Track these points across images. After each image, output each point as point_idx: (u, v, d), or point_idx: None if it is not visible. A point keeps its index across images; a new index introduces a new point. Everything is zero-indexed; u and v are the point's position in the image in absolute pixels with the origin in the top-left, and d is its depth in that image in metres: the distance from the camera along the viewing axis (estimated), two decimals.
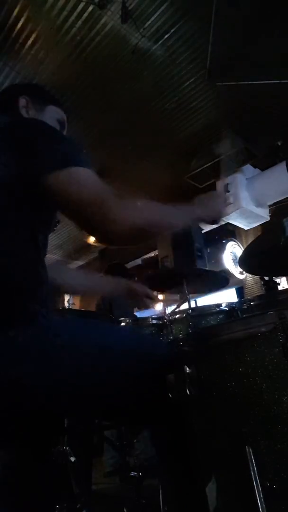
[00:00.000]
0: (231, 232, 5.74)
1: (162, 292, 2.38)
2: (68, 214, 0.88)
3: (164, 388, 0.91)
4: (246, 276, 5.42)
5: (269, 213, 4.69)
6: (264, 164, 4.51)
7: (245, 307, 1.88)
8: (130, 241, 0.91)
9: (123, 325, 2.17)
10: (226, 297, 5.79)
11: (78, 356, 0.86)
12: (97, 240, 0.89)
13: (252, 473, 0.76)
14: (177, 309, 2.31)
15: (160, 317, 2.26)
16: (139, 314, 3.98)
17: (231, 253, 5.59)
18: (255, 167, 4.61)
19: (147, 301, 1.39)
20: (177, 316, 2.14)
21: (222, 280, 2.42)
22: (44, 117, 1.11)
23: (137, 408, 0.91)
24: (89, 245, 6.19)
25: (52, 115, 1.15)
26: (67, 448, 1.46)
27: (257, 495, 0.75)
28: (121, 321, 2.26)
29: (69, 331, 0.90)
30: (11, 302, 0.84)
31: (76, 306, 5.92)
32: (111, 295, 1.56)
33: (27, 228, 0.89)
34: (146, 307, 1.38)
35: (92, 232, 0.88)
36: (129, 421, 0.91)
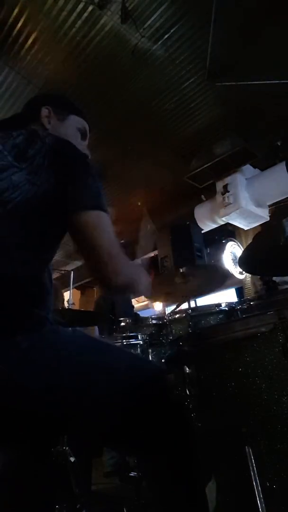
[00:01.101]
0: (231, 232, 5.74)
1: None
2: (79, 250, 0.94)
3: (164, 397, 0.91)
4: (245, 276, 5.42)
5: (269, 213, 4.69)
6: (263, 164, 4.51)
7: (245, 307, 1.88)
8: (118, 293, 0.99)
9: (124, 334, 2.17)
10: (225, 297, 5.80)
11: (81, 363, 0.87)
12: (95, 279, 0.96)
13: (252, 473, 0.76)
14: (177, 309, 2.31)
15: (160, 317, 2.27)
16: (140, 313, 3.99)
17: (230, 253, 5.59)
18: (254, 167, 4.61)
19: None
20: (177, 316, 2.14)
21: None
22: (65, 126, 1.14)
23: (135, 423, 0.90)
24: None
25: (73, 124, 1.17)
26: (67, 448, 1.45)
27: (257, 495, 0.75)
28: (121, 321, 2.26)
29: (75, 341, 0.92)
30: (19, 308, 0.84)
31: (76, 306, 5.93)
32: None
33: (39, 240, 0.91)
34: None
35: (93, 272, 0.94)
36: (128, 442, 0.92)
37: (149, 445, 0.90)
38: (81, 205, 0.90)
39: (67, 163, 0.95)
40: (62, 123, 1.14)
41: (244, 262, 1.78)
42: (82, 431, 0.95)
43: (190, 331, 1.90)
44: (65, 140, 1.06)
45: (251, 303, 1.87)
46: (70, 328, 0.97)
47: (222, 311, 2.01)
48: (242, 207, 4.36)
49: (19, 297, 0.85)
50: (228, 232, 5.68)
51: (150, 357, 2.00)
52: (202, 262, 4.69)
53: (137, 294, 1.19)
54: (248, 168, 4.55)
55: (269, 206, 4.68)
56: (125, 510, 1.71)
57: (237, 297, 5.77)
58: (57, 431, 1.00)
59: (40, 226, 0.91)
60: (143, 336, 2.08)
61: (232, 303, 2.05)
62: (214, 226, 5.01)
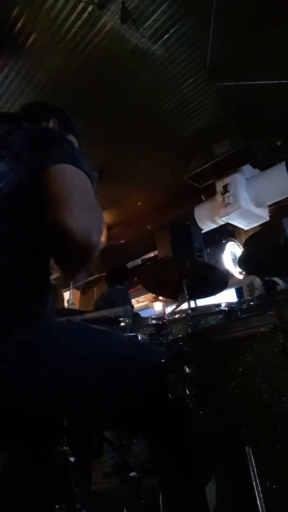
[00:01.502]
0: (231, 232, 5.74)
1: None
2: (45, 204, 0.84)
3: (163, 392, 0.90)
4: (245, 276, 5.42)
5: (269, 213, 4.69)
6: (263, 164, 4.51)
7: (245, 307, 1.88)
8: (80, 257, 0.86)
9: (124, 334, 2.16)
10: (225, 297, 5.79)
11: (79, 360, 0.86)
12: (60, 239, 0.82)
13: (252, 473, 0.76)
14: (176, 309, 2.31)
15: (159, 317, 2.27)
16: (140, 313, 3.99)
17: (230, 253, 5.59)
18: (254, 167, 4.62)
19: None
20: (177, 316, 2.14)
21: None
22: None
23: (135, 414, 0.90)
24: None
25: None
26: (67, 448, 1.45)
27: (256, 495, 0.75)
28: (120, 321, 2.26)
29: (71, 334, 0.90)
30: (16, 303, 0.84)
31: (76, 306, 5.94)
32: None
33: (37, 231, 0.90)
34: None
35: (51, 228, 0.83)
36: (128, 428, 0.90)
37: (147, 444, 0.90)
38: (46, 162, 0.86)
39: (44, 144, 0.93)
40: None
41: (244, 262, 1.78)
42: (81, 422, 0.94)
43: (190, 331, 1.90)
44: (44, 126, 1.06)
45: (251, 303, 1.87)
46: (65, 319, 0.94)
47: (222, 311, 2.01)
48: (242, 207, 4.36)
49: (12, 291, 0.84)
50: (228, 232, 5.68)
51: None
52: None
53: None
54: (248, 168, 4.55)
55: (269, 206, 4.68)
56: (125, 510, 1.70)
57: (237, 297, 5.77)
58: (57, 424, 0.99)
59: (26, 213, 0.88)
60: (142, 336, 2.08)
61: (232, 303, 2.05)
62: (214, 226, 5.01)
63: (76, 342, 0.88)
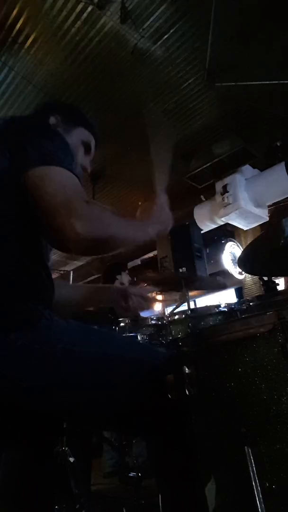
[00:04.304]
0: (230, 233, 5.74)
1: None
2: (39, 214, 0.84)
3: (163, 393, 0.90)
4: (245, 277, 5.42)
5: (268, 213, 4.69)
6: (263, 164, 4.51)
7: (244, 307, 1.88)
8: (86, 252, 0.89)
9: (124, 334, 2.16)
10: (225, 297, 5.80)
11: (78, 361, 0.86)
12: (54, 245, 0.85)
13: (251, 473, 0.76)
14: (176, 310, 2.31)
15: (159, 318, 2.27)
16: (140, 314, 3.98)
17: (230, 254, 5.59)
18: (254, 167, 4.62)
19: (142, 303, 1.30)
20: (176, 316, 2.15)
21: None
22: (70, 137, 1.10)
23: (135, 415, 0.90)
24: None
25: (78, 136, 1.14)
26: (67, 448, 1.45)
27: (256, 495, 0.75)
28: (120, 321, 2.26)
29: (70, 335, 0.89)
30: (13, 304, 0.83)
31: None
32: (104, 304, 1.46)
33: (31, 229, 0.89)
34: (141, 309, 1.30)
35: (52, 235, 0.83)
36: (128, 428, 0.89)
37: (146, 444, 0.90)
38: (26, 164, 0.83)
39: (18, 134, 0.91)
40: (68, 133, 1.11)
41: (243, 262, 1.78)
42: (81, 423, 0.94)
43: (189, 331, 1.90)
44: (21, 116, 1.04)
45: (251, 303, 1.87)
46: (64, 321, 0.93)
47: (221, 311, 2.01)
48: (241, 208, 4.36)
49: (11, 291, 0.83)
50: (228, 232, 5.68)
51: None
52: (202, 264, 4.68)
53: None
54: (247, 169, 4.55)
55: (269, 206, 4.68)
56: (124, 510, 1.70)
57: (237, 297, 5.77)
58: (56, 425, 0.99)
59: (10, 209, 0.86)
60: (142, 336, 2.08)
61: (231, 303, 2.05)
62: (214, 226, 5.01)
63: (76, 344, 0.87)
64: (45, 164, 0.84)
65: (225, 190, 4.45)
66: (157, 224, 1.02)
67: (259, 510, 0.74)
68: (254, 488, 0.75)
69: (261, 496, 0.75)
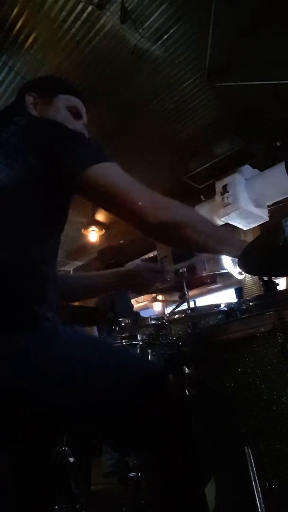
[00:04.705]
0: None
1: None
2: (107, 208, 0.92)
3: (163, 394, 0.90)
4: (245, 277, 5.42)
5: (268, 213, 4.69)
6: (263, 164, 4.51)
7: (244, 307, 1.88)
8: (163, 235, 0.95)
9: (124, 334, 2.16)
10: (225, 297, 5.80)
11: (79, 363, 0.85)
12: (138, 227, 0.92)
13: (251, 473, 0.76)
14: (176, 309, 2.31)
15: (159, 317, 2.27)
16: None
17: None
18: (254, 167, 4.62)
19: (153, 277, 1.33)
20: (176, 316, 2.14)
21: None
22: (54, 108, 1.08)
23: (135, 415, 0.90)
24: (88, 245, 6.19)
25: (61, 104, 1.11)
26: (66, 448, 1.45)
27: (256, 495, 0.75)
28: (120, 321, 2.26)
29: (72, 339, 0.90)
30: (16, 304, 0.83)
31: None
32: (113, 289, 1.54)
33: (42, 231, 0.90)
34: (154, 283, 1.34)
35: (132, 222, 0.91)
36: (128, 429, 0.90)
37: (146, 445, 0.90)
38: (76, 168, 0.87)
39: (41, 137, 0.91)
40: (50, 106, 1.09)
41: (243, 262, 1.78)
42: (80, 427, 0.94)
43: (189, 331, 1.90)
44: (38, 118, 1.04)
45: (250, 303, 1.87)
46: (69, 328, 0.94)
47: (221, 311, 2.01)
48: (241, 208, 4.36)
49: (14, 292, 0.83)
50: None
51: (149, 357, 2.00)
52: (201, 263, 4.68)
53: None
54: (247, 169, 4.55)
55: (269, 206, 4.68)
56: (124, 510, 1.71)
57: (237, 297, 5.77)
58: (54, 430, 0.99)
59: (24, 210, 0.87)
60: (142, 336, 2.07)
61: (231, 303, 2.04)
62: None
63: (77, 349, 0.87)
64: (93, 163, 0.89)
65: (225, 190, 4.45)
66: (239, 245, 1.06)
67: (259, 510, 0.74)
68: (254, 488, 0.75)
69: (261, 496, 0.75)
